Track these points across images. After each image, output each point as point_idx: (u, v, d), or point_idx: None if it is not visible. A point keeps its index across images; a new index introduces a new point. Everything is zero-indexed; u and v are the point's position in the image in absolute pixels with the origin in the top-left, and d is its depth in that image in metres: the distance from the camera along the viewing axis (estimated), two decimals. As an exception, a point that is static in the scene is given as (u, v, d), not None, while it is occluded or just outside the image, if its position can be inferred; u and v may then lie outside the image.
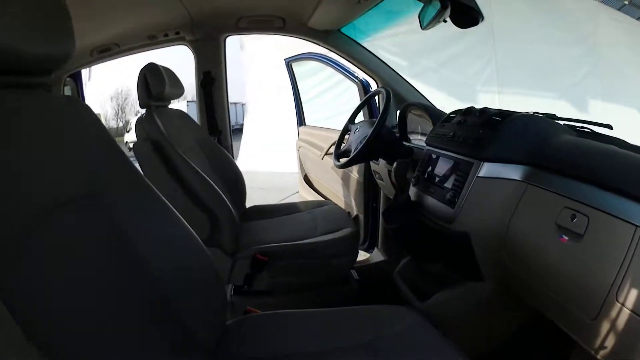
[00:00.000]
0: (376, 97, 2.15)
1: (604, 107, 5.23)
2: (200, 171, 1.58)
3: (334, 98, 5.71)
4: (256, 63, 7.27)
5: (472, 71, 5.34)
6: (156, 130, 1.57)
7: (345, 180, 2.43)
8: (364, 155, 1.63)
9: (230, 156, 2.19)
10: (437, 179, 1.29)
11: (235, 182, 2.04)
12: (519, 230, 0.99)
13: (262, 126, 7.56)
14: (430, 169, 1.34)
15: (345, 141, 1.82)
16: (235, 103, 15.92)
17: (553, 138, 1.04)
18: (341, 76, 2.47)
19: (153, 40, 2.28)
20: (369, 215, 2.31)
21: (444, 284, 1.31)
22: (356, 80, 2.32)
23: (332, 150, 2.49)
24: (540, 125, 1.10)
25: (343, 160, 1.68)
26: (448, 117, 1.41)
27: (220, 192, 1.58)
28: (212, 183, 1.57)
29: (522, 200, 0.99)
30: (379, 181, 2.01)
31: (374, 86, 2.25)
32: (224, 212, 1.57)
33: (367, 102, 2.07)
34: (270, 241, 1.66)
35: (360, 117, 1.94)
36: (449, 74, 5.14)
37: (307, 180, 2.91)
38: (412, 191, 1.41)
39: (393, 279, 1.52)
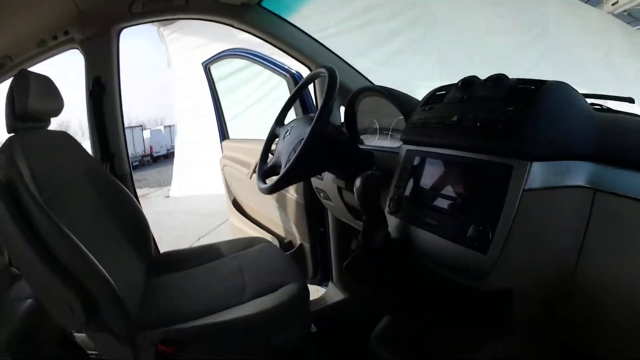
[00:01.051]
0: (312, 86, 1.70)
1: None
2: (81, 220, 1.17)
3: (271, 105, 5.24)
4: (183, 80, 6.71)
5: (414, 66, 5.05)
6: (10, 166, 1.09)
7: (281, 202, 1.94)
8: (301, 170, 1.14)
9: (130, 190, 1.65)
10: (435, 200, 0.84)
11: (137, 225, 1.50)
12: (594, 267, 0.67)
13: (193, 147, 6.99)
14: (418, 183, 0.90)
15: (273, 152, 1.33)
16: (169, 126, 15.46)
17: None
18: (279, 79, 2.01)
19: (44, 47, 1.75)
20: (316, 243, 1.86)
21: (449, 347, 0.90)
22: (285, 74, 1.85)
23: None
24: (583, 100, 0.76)
25: (271, 180, 1.20)
26: (433, 96, 0.96)
27: (95, 261, 1.03)
28: (82, 248, 1.02)
29: (592, 217, 0.67)
30: (325, 201, 1.54)
31: None
32: (101, 288, 1.03)
33: (300, 93, 1.56)
34: (180, 313, 1.16)
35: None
36: (389, 73, 4.68)
37: (236, 204, 2.37)
38: (392, 224, 0.93)
39: (369, 345, 1.02)
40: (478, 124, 0.76)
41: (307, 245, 1.90)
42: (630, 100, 0.87)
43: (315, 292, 2.18)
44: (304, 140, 1.05)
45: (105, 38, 1.73)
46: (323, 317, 1.68)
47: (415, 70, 5.02)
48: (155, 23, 6.01)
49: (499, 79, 0.82)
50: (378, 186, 0.92)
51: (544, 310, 0.76)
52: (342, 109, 1.47)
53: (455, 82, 0.91)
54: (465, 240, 0.74)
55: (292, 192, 1.83)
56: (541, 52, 5.21)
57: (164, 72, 7.00)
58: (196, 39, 6.13)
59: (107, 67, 1.76)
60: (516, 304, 0.75)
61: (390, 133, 1.28)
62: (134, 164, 13.49)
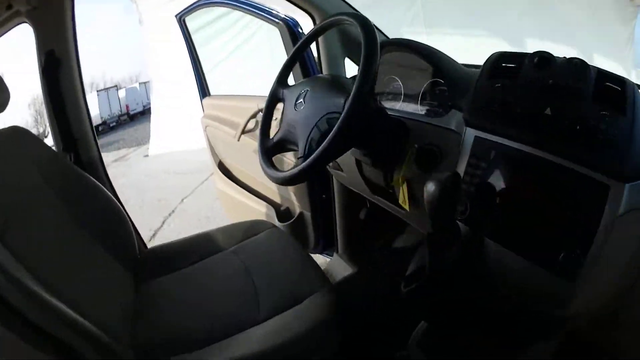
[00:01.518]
0: (320, 40, 1.44)
1: (542, 45, 4.90)
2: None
3: (248, 55, 4.87)
4: (158, 35, 6.21)
5: (398, 13, 4.78)
6: None
7: (277, 164, 1.71)
8: (338, 152, 0.92)
9: (101, 178, 1.44)
10: (515, 210, 0.73)
11: (113, 223, 1.28)
12: None
13: (172, 102, 6.60)
14: (493, 183, 0.75)
15: (276, 121, 1.10)
16: (144, 82, 14.88)
17: None
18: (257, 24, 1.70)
19: None
20: (317, 211, 1.67)
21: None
22: (278, 21, 1.55)
23: (251, 125, 1.75)
24: None
25: (290, 163, 1.15)
26: (499, 68, 0.83)
27: (72, 313, 0.80)
28: (52, 302, 0.78)
29: None
30: (334, 171, 1.33)
31: (306, 26, 1.49)
32: (83, 343, 0.82)
33: (307, 46, 1.22)
34: (181, 337, 0.99)
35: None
36: (372, 18, 4.40)
37: (222, 168, 2.13)
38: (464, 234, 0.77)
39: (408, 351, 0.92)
40: (577, 127, 0.67)
41: (307, 214, 1.71)
42: None
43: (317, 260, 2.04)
44: (343, 114, 0.81)
45: (55, 5, 1.41)
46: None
47: (400, 17, 4.78)
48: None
49: (579, 64, 0.73)
50: (458, 192, 0.71)
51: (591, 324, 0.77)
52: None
53: (524, 52, 0.81)
54: (555, 265, 0.66)
55: (288, 155, 1.60)
56: (525, 6, 5.03)
57: (137, 31, 6.54)
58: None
59: (60, 38, 1.45)
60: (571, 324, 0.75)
61: (420, 98, 1.05)
62: (112, 125, 13.01)
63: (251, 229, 1.38)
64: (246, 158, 1.85)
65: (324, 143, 0.83)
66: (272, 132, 1.07)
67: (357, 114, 0.81)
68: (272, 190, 1.84)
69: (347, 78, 1.12)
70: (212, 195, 3.42)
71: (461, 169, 0.81)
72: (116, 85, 16.54)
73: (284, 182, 0.96)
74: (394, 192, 1.03)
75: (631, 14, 5.58)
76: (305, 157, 0.89)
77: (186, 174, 4.89)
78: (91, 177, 1.28)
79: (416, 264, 0.82)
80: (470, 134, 0.82)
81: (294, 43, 1.47)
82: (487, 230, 0.76)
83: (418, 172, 0.92)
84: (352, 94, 0.82)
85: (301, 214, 1.73)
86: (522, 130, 0.73)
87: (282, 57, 1.21)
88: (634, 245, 0.65)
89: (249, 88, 2.28)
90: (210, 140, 2.12)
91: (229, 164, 2.08)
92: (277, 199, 1.84)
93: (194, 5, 2.04)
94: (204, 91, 2.24)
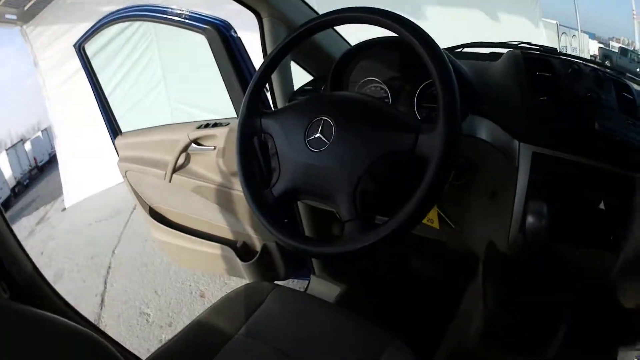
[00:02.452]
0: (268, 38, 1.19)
1: (440, 11, 5.07)
2: None
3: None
4: (56, 72, 5.65)
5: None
6: None
7: (222, 200, 1.47)
8: (432, 203, 0.70)
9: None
10: (576, 215, 0.82)
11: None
12: None
13: (76, 144, 6.01)
14: (556, 199, 0.82)
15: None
16: (46, 129, 13.69)
17: None
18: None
19: None
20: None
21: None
22: (204, 27, 1.24)
23: (182, 160, 1.49)
24: None
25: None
26: (535, 76, 0.90)
27: None
28: None
29: None
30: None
31: (241, 27, 1.26)
32: None
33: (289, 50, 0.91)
34: None
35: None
36: None
37: (156, 215, 1.81)
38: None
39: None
40: (617, 138, 0.80)
41: (272, 245, 1.49)
42: None
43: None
44: (438, 159, 0.63)
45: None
46: None
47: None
48: (19, 23, 5.24)
49: (601, 77, 0.88)
50: None
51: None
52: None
53: (544, 52, 0.98)
54: (607, 244, 0.80)
55: (237, 186, 1.37)
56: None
57: (33, 74, 5.84)
58: (60, 26, 5.25)
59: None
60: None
61: (415, 102, 0.97)
62: (26, 183, 11.74)
63: (250, 298, 1.07)
64: (184, 199, 1.57)
65: (416, 200, 0.64)
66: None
67: (453, 155, 0.65)
68: (222, 228, 1.58)
69: (379, 100, 0.90)
70: (139, 238, 3.24)
71: (522, 184, 0.82)
72: (21, 139, 15.20)
73: (346, 257, 0.76)
74: None
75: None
76: (361, 217, 0.68)
77: (107, 219, 4.44)
78: None
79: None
80: (526, 149, 0.82)
81: (228, 51, 1.22)
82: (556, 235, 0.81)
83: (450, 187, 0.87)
84: (443, 131, 0.64)
85: (265, 246, 1.50)
86: (577, 143, 0.80)
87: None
88: None
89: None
90: (134, 186, 1.79)
91: (162, 209, 1.77)
92: (231, 236, 1.58)
93: (94, 28, 1.69)
94: (113, 129, 1.87)
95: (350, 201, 0.68)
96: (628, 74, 0.98)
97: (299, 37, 0.83)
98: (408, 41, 0.69)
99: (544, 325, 0.91)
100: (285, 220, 1.38)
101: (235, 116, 1.30)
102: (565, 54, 1.28)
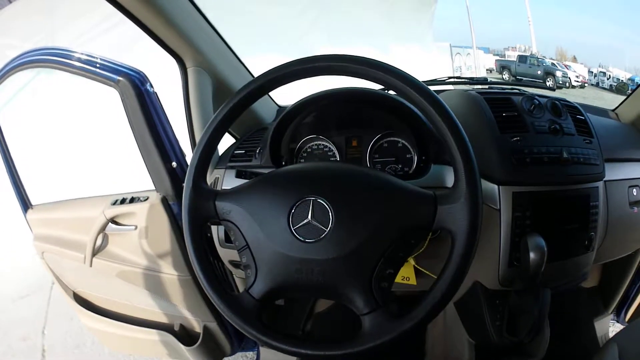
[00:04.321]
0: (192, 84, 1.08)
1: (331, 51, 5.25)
2: None
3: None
4: None
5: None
6: None
7: (152, 283, 1.29)
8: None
9: None
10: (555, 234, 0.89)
11: None
12: None
13: None
14: (539, 227, 0.88)
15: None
16: None
17: None
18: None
19: None
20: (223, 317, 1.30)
21: None
22: (116, 79, 1.04)
23: (99, 241, 1.29)
24: None
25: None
26: (505, 119, 0.92)
27: None
28: None
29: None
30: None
31: (161, 80, 1.12)
32: None
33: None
34: None
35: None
36: None
37: (81, 301, 1.57)
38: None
39: None
40: (581, 160, 0.89)
41: (213, 325, 1.32)
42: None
43: None
44: (467, 231, 0.59)
45: None
46: None
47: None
48: None
49: (557, 106, 0.95)
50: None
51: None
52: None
53: (501, 92, 1.01)
54: (583, 249, 0.93)
55: (166, 269, 1.20)
56: (314, 16, 5.25)
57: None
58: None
59: None
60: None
61: (368, 157, 0.96)
62: None
63: None
64: (109, 285, 1.36)
65: (448, 280, 0.59)
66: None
67: (480, 228, 0.61)
68: (155, 312, 1.38)
69: (372, 168, 0.89)
70: (65, 315, 2.92)
71: (506, 222, 0.84)
72: None
73: (372, 352, 0.59)
74: None
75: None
76: (384, 307, 0.60)
77: (30, 295, 4.00)
78: None
79: (525, 319, 0.96)
80: (506, 191, 0.85)
81: (142, 107, 1.04)
82: None
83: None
84: (470, 203, 0.59)
85: (206, 327, 1.33)
86: (551, 175, 0.86)
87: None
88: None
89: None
90: (53, 270, 1.55)
91: (88, 294, 1.54)
92: (167, 320, 1.39)
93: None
94: (24, 201, 1.59)
95: (367, 293, 0.59)
96: (528, 79, 1.13)
97: (253, 94, 0.69)
98: (405, 94, 0.62)
99: (533, 330, 0.95)
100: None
101: (153, 188, 1.14)
102: (498, 82, 1.36)
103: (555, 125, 0.90)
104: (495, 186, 0.85)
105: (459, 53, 8.09)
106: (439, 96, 0.62)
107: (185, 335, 1.38)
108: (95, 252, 1.27)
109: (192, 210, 0.68)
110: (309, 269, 0.61)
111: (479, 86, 1.18)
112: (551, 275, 0.90)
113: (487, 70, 8.86)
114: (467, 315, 1.19)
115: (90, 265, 1.29)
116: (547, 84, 7.41)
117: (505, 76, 8.53)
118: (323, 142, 0.97)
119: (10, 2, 8.44)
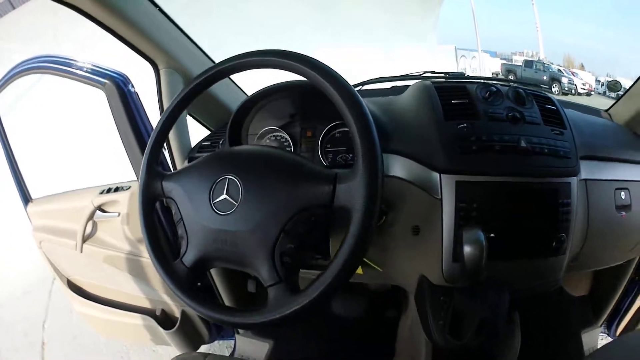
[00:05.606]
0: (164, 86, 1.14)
1: (333, 52, 5.14)
2: None
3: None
4: None
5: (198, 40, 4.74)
6: None
7: (135, 269, 1.39)
8: (363, 257, 0.66)
9: None
10: (512, 232, 0.85)
11: None
12: None
13: None
14: (488, 220, 0.84)
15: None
16: None
17: None
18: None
19: None
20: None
21: None
22: (103, 81, 1.17)
23: (89, 228, 1.40)
24: None
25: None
26: (454, 107, 0.90)
27: None
28: None
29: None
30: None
31: (139, 80, 1.21)
32: None
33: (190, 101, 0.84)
34: None
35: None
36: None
37: (74, 287, 1.69)
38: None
39: None
40: (546, 151, 0.83)
41: (190, 310, 1.40)
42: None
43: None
44: (365, 207, 0.60)
45: None
46: None
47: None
48: None
49: (521, 94, 0.90)
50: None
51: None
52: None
53: (454, 80, 1.04)
54: (551, 251, 0.86)
55: (144, 254, 1.30)
56: (317, 19, 5.27)
57: None
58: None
59: None
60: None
61: (319, 147, 0.98)
62: None
63: None
64: (97, 270, 1.47)
65: (343, 256, 0.60)
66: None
67: (378, 204, 0.61)
68: (138, 297, 1.48)
69: (285, 150, 0.89)
70: (65, 308, 2.99)
71: (449, 215, 0.82)
72: None
73: (274, 324, 0.63)
74: None
75: (436, 1, 6.13)
76: (285, 281, 0.63)
77: (31, 292, 4.12)
78: None
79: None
80: (449, 180, 0.81)
81: (126, 108, 1.16)
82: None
83: None
84: (365, 180, 0.60)
85: (184, 312, 1.42)
86: (504, 164, 0.81)
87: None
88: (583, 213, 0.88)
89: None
90: (50, 258, 1.67)
91: (80, 281, 1.65)
92: (149, 305, 1.49)
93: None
94: (24, 195, 1.73)
95: (269, 265, 0.64)
96: (535, 84, 1.08)
97: (197, 88, 0.78)
98: (315, 83, 0.65)
99: (498, 333, 0.87)
100: (199, 284, 1.33)
101: (136, 179, 1.24)
102: (477, 77, 1.30)
103: (515, 112, 0.86)
104: (437, 174, 0.82)
105: (464, 56, 8.01)
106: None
107: (165, 320, 1.47)
108: (85, 239, 1.38)
109: (144, 189, 0.77)
110: (224, 239, 0.67)
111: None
112: (511, 276, 0.86)
113: (492, 73, 8.62)
114: (419, 312, 1.14)
115: (81, 251, 1.40)
116: (553, 90, 7.15)
117: (511, 80, 8.39)
118: (279, 133, 1.02)
119: (14, 7, 8.67)
